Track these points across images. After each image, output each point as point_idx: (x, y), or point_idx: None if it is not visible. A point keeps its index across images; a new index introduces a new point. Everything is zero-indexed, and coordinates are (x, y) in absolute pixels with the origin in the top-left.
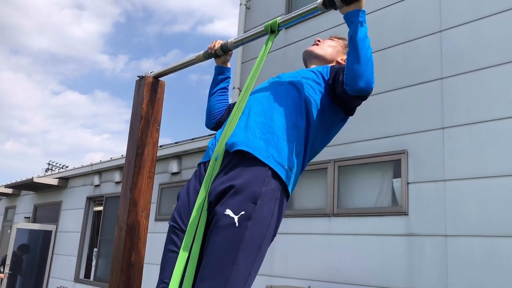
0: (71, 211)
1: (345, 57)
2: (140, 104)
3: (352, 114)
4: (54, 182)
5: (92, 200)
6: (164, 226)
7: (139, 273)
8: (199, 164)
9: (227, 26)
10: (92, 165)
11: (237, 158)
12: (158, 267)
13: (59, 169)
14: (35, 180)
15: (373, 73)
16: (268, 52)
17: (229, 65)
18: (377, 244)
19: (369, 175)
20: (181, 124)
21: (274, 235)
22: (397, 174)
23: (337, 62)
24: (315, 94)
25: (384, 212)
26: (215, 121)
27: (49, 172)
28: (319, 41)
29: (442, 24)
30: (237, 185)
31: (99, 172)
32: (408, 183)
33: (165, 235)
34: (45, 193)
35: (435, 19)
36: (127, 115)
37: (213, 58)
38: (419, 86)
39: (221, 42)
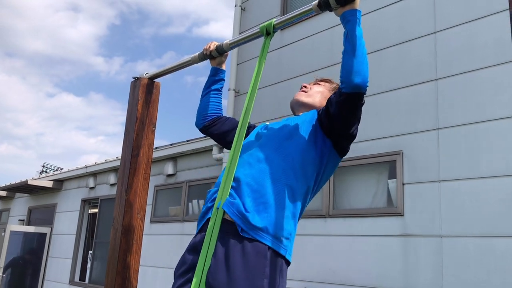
0: (66, 214)
1: None
2: (136, 106)
3: (345, 153)
4: (49, 184)
5: (87, 202)
6: (160, 228)
7: (134, 275)
8: (198, 226)
9: (222, 28)
10: (87, 167)
11: (233, 231)
12: (154, 269)
13: (53, 172)
14: (30, 182)
15: (368, 71)
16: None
17: (224, 67)
18: (372, 244)
19: (365, 176)
20: (176, 126)
21: None
22: (392, 175)
23: None
24: (309, 147)
25: (380, 213)
26: (205, 123)
27: (43, 175)
28: (305, 86)
29: (436, 26)
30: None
31: (94, 174)
32: (403, 184)
33: (161, 237)
34: (39, 196)
35: (430, 20)
36: (122, 117)
37: (208, 60)
38: (414, 87)
39: (217, 43)
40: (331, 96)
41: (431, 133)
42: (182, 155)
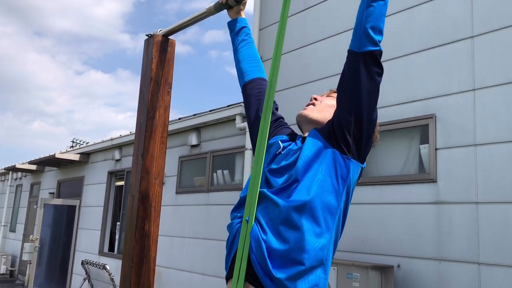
0: (93, 186)
1: None
2: (150, 65)
3: (365, 158)
4: (76, 157)
5: (113, 174)
6: (186, 198)
7: (153, 244)
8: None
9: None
10: (112, 139)
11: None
12: (180, 239)
13: (80, 146)
14: (57, 156)
15: (383, 23)
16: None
17: (243, 15)
18: (403, 213)
19: (395, 142)
20: (201, 99)
21: None
22: (424, 140)
23: None
24: (328, 181)
25: (411, 179)
26: (245, 82)
27: (71, 149)
28: (316, 99)
29: None
30: None
31: (120, 146)
32: (436, 149)
33: (186, 208)
34: (67, 169)
35: None
36: None
37: (225, 10)
38: (448, 45)
39: None
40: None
41: (467, 94)
42: (206, 125)
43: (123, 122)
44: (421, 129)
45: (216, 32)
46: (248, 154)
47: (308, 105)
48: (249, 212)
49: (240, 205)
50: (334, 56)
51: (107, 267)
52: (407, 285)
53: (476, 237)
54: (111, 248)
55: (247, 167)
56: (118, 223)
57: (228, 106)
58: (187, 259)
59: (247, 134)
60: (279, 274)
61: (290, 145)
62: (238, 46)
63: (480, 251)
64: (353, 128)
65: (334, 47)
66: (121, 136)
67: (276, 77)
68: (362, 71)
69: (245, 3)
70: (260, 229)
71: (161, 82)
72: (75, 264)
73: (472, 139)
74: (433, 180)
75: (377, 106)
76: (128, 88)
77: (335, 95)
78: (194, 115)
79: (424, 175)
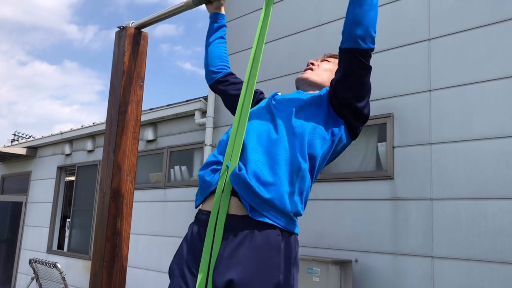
0: (42, 181)
1: None
2: (122, 58)
3: (357, 135)
4: (22, 151)
5: (63, 169)
6: (140, 195)
7: (125, 242)
8: (198, 210)
9: None
10: (62, 133)
11: (239, 223)
12: (135, 237)
13: (26, 140)
14: (2, 150)
15: (374, 25)
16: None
17: (223, 10)
18: (361, 208)
19: None
20: (154, 93)
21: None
22: (382, 138)
23: None
24: (320, 124)
25: (369, 176)
26: (217, 77)
27: (15, 143)
28: (312, 64)
29: None
30: (250, 282)
31: (70, 140)
32: (393, 147)
33: (142, 204)
34: (12, 163)
35: None
36: (98, 86)
37: (204, 5)
38: (406, 47)
39: None
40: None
41: (423, 94)
42: (163, 120)
43: (69, 116)
44: (379, 127)
45: (167, 26)
46: (207, 150)
47: (305, 70)
48: (230, 158)
49: (220, 152)
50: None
51: (58, 265)
52: (364, 279)
53: (430, 231)
54: (61, 246)
55: None
56: (68, 219)
57: (187, 101)
58: (142, 256)
59: (207, 129)
60: (267, 195)
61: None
62: (216, 41)
63: (433, 245)
64: (345, 102)
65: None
66: (71, 130)
67: (262, 48)
68: (342, 65)
69: None
70: (240, 167)
71: (133, 76)
72: (20, 263)
73: (427, 138)
74: (390, 177)
75: None
76: (75, 80)
77: (330, 59)
78: (150, 109)
79: (381, 172)
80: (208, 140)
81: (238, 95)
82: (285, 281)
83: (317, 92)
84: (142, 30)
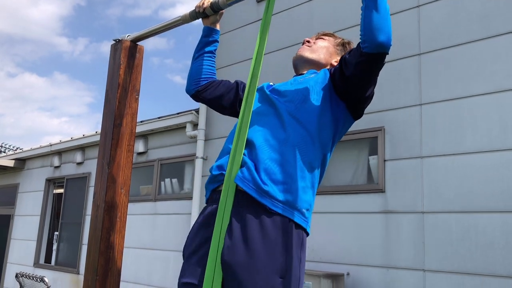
0: (29, 194)
1: (338, 58)
2: (117, 71)
3: (360, 115)
4: (10, 163)
5: (51, 182)
6: (130, 207)
7: (119, 256)
8: (207, 201)
9: (189, 10)
10: (51, 145)
11: (248, 203)
12: (124, 250)
13: (14, 151)
14: None
15: (391, 29)
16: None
17: (218, 26)
18: (353, 222)
19: (345, 152)
20: (145, 107)
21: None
22: (373, 151)
23: (331, 65)
24: (324, 112)
25: (360, 190)
26: (197, 88)
27: (2, 154)
28: (308, 41)
29: None
30: (257, 264)
31: (59, 152)
32: (385, 160)
33: (132, 217)
34: None
35: None
36: (88, 98)
37: (201, 19)
38: (397, 62)
39: (211, 0)
40: (345, 56)
41: (414, 108)
42: (154, 132)
43: (57, 128)
44: (370, 141)
45: (158, 40)
46: (199, 162)
47: (302, 46)
48: (233, 160)
49: (223, 156)
50: None
51: (46, 279)
52: None
53: (422, 245)
54: (48, 259)
55: (198, 176)
56: (56, 233)
57: (178, 113)
58: (132, 270)
59: (198, 142)
60: (282, 194)
61: (285, 82)
62: (205, 55)
63: (425, 258)
64: (349, 89)
65: None
66: (61, 142)
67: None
68: (361, 65)
69: (221, 14)
70: (250, 168)
71: (129, 89)
72: (6, 276)
73: (418, 151)
74: (382, 190)
75: None
76: (65, 92)
77: (325, 37)
78: (141, 121)
79: (372, 185)
80: (200, 152)
81: (224, 94)
82: (291, 264)
83: (313, 75)
84: (137, 43)
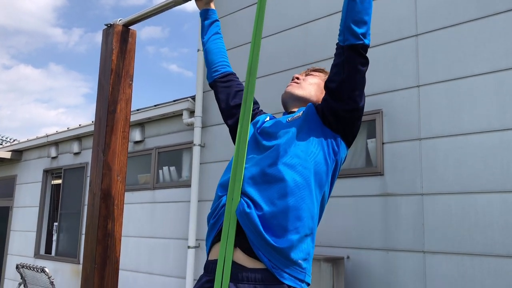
0: (27, 185)
1: None
2: (110, 56)
3: (353, 140)
4: (7, 155)
5: (49, 172)
6: (129, 196)
7: (117, 243)
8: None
9: None
10: (47, 136)
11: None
12: (124, 239)
13: (11, 143)
14: None
15: (368, 15)
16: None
17: (213, 6)
18: (352, 205)
19: None
20: (141, 95)
21: None
22: (371, 134)
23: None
24: (321, 152)
25: (359, 173)
26: (217, 76)
27: None
28: (298, 78)
29: None
30: None
31: (56, 143)
32: (383, 143)
33: (131, 206)
34: None
35: None
36: (84, 88)
37: (194, 2)
38: (394, 43)
39: None
40: (326, 86)
41: (412, 90)
42: (150, 120)
43: (54, 119)
44: (368, 124)
45: (153, 29)
46: (196, 150)
47: (291, 83)
48: (233, 191)
49: (222, 186)
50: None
51: (46, 270)
52: (356, 275)
53: (421, 227)
54: (48, 250)
55: (196, 163)
56: (55, 223)
57: (174, 100)
58: (132, 258)
59: (196, 129)
60: (279, 243)
61: (275, 119)
62: (212, 37)
63: (425, 240)
64: (341, 113)
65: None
66: (57, 133)
67: (257, 61)
68: (346, 63)
69: None
70: (249, 204)
71: (122, 74)
72: (7, 268)
73: (416, 133)
74: (380, 173)
75: None
76: (61, 83)
77: (315, 73)
78: (137, 110)
79: (371, 168)
80: (197, 140)
81: (232, 96)
82: None
83: (301, 114)
84: (130, 27)
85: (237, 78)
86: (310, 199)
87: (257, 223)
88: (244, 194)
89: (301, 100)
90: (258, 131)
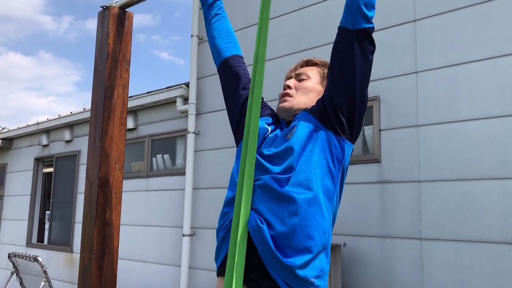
0: (18, 174)
1: None
2: (106, 40)
3: (357, 135)
4: None
5: (40, 161)
6: (124, 184)
7: (116, 232)
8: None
9: None
10: (38, 123)
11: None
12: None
13: (0, 131)
14: None
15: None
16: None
17: None
18: (349, 192)
19: None
20: (133, 83)
21: None
22: (368, 121)
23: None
24: (327, 162)
25: (356, 160)
26: (224, 58)
27: None
28: (289, 87)
29: None
30: None
31: (47, 131)
32: (380, 130)
33: (124, 194)
34: None
35: None
36: (75, 76)
37: None
38: (391, 29)
39: None
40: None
41: (409, 76)
42: (143, 108)
43: (45, 107)
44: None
45: (143, 16)
46: (190, 137)
47: (284, 95)
48: (239, 207)
49: (228, 204)
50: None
51: (39, 259)
52: (354, 262)
53: (419, 214)
54: (41, 239)
55: (190, 151)
56: (47, 212)
57: (167, 87)
58: (126, 247)
59: (190, 116)
60: (290, 262)
61: (276, 128)
62: (212, 21)
63: (422, 227)
64: (346, 107)
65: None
66: (48, 120)
67: (264, 50)
68: (356, 50)
69: None
70: (262, 220)
71: (119, 58)
72: None
73: (414, 120)
74: (377, 160)
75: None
76: (51, 71)
77: (309, 71)
78: (130, 97)
79: (368, 155)
80: (191, 127)
81: (239, 78)
82: None
83: (297, 124)
84: (126, 10)
85: (240, 59)
86: (321, 214)
87: (268, 240)
88: (254, 210)
89: (297, 111)
90: (257, 153)
